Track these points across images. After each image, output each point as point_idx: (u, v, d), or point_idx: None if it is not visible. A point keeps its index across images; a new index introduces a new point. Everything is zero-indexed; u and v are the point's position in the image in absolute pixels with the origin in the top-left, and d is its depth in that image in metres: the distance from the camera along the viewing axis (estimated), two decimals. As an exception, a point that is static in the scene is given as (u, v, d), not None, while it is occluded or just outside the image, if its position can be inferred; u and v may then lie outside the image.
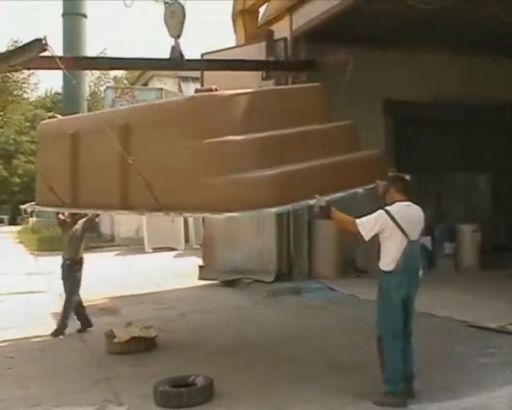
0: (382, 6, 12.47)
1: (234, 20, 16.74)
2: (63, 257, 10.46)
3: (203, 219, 15.68)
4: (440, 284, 12.37)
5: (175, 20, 8.29)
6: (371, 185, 7.38)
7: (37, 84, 63.62)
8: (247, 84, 11.41)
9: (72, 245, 10.34)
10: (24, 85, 61.74)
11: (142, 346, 8.92)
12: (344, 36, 13.77)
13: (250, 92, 7.37)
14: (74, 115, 10.90)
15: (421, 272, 6.64)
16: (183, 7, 8.25)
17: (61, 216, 10.30)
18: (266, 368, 7.98)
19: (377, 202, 6.94)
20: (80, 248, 10.42)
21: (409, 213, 6.56)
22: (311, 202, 6.42)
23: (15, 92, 60.40)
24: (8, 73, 57.98)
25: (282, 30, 14.38)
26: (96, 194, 7.77)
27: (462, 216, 15.80)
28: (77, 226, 10.32)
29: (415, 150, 15.86)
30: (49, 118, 10.45)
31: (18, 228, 36.45)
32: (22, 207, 10.84)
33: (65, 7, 42.88)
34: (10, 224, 52.77)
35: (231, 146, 6.43)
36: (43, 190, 8.65)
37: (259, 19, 16.18)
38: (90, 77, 62.69)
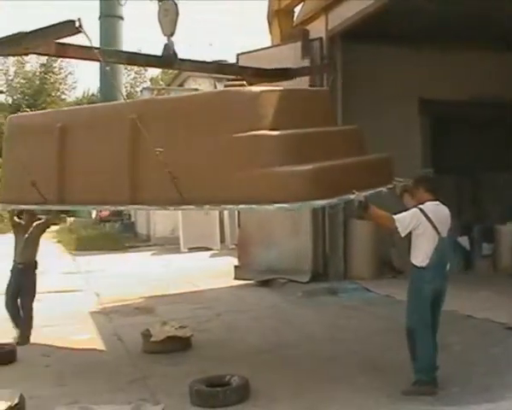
0: (416, 4, 12.37)
1: (269, 21, 16.73)
2: (15, 261, 9.89)
3: (239, 218, 15.69)
4: (478, 285, 12.25)
5: (168, 18, 8.25)
6: (389, 186, 7.64)
7: (75, 82, 64.04)
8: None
9: (27, 248, 9.82)
10: (61, 87, 62.30)
11: (178, 345, 8.96)
12: (379, 35, 13.71)
13: (277, 90, 7.36)
14: (54, 109, 10.68)
15: (448, 266, 6.91)
16: (176, 5, 8.21)
17: (16, 219, 9.90)
18: (301, 368, 7.98)
19: (401, 203, 7.27)
20: (35, 252, 9.97)
21: (439, 211, 6.93)
22: (352, 196, 6.51)
23: (53, 93, 60.92)
24: (46, 75, 58.90)
25: (317, 30, 14.31)
26: (94, 189, 7.39)
27: (499, 216, 15.57)
28: (32, 229, 9.85)
29: (451, 150, 15.69)
30: None
31: (56, 228, 36.76)
32: None
33: (102, 9, 43.46)
34: (48, 223, 53.22)
35: (268, 140, 6.42)
36: (14, 187, 8.26)
37: (295, 19, 16.14)
38: (126, 78, 63.18)
